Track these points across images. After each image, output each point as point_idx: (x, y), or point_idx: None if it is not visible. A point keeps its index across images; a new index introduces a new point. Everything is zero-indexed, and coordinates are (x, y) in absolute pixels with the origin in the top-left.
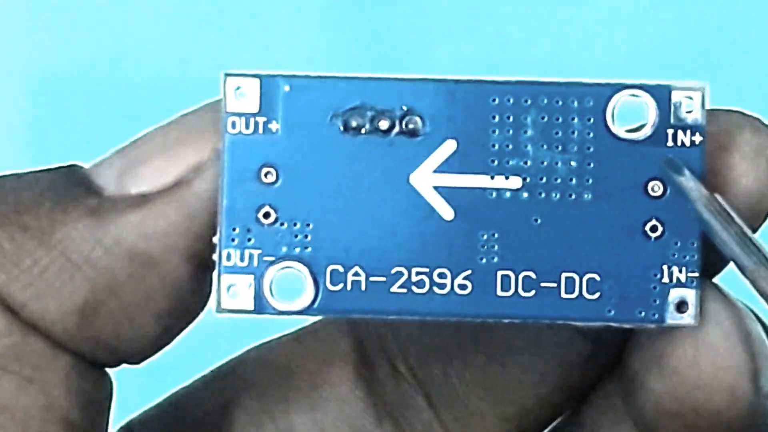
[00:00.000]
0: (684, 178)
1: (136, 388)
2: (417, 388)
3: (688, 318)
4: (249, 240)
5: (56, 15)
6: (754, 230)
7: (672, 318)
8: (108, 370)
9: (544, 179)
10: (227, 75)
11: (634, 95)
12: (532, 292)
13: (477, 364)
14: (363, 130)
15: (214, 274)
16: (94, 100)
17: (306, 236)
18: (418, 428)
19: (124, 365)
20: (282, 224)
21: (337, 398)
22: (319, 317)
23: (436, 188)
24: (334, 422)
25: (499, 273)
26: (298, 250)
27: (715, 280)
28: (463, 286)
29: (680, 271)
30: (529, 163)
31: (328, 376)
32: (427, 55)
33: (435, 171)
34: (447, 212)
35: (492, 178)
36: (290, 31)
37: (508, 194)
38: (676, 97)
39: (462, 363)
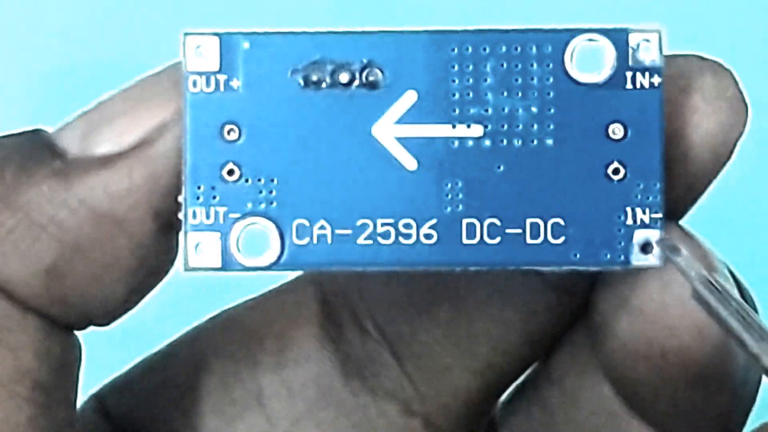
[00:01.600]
0: (681, 258)
1: (106, 355)
2: (384, 344)
3: (652, 259)
4: (214, 198)
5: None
6: (717, 172)
7: (637, 259)
8: (77, 333)
9: (506, 126)
10: (186, 34)
11: (591, 39)
12: (498, 239)
13: (443, 318)
14: (323, 85)
15: (181, 233)
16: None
17: (271, 192)
18: (387, 385)
19: (92, 327)
20: (246, 181)
21: (305, 358)
22: (285, 274)
23: (398, 139)
24: (302, 382)
25: (464, 221)
26: (263, 206)
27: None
28: (428, 236)
29: (644, 213)
30: (490, 110)
31: (295, 337)
32: (387, 8)
33: (396, 122)
34: (410, 163)
35: (454, 127)
36: None
37: (470, 143)
38: (633, 39)
39: (428, 317)
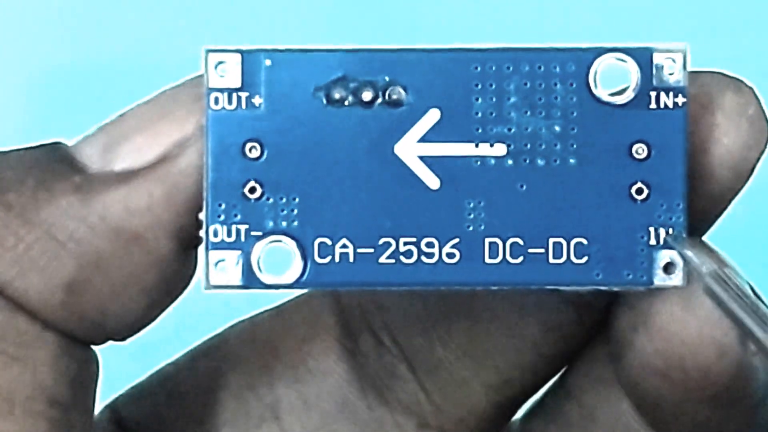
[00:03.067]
0: (690, 252)
1: (121, 365)
2: (401, 358)
3: (675, 279)
4: (235, 215)
5: (57, 12)
6: (738, 190)
7: (660, 279)
8: (94, 347)
9: (529, 145)
10: (208, 51)
11: (615, 59)
12: (520, 259)
13: (460, 332)
14: (346, 102)
15: (201, 250)
16: (97, 101)
17: (292, 210)
18: (403, 398)
19: (110, 342)
20: (268, 199)
21: (321, 371)
22: (305, 290)
23: (421, 158)
24: (319, 395)
25: (487, 240)
26: (285, 223)
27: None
28: (451, 255)
29: (667, 233)
30: (513, 129)
31: (312, 350)
32: (408, 25)
33: (419, 141)
34: (433, 181)
35: (476, 145)
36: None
37: (493, 161)
38: (657, 59)
39: (445, 331)
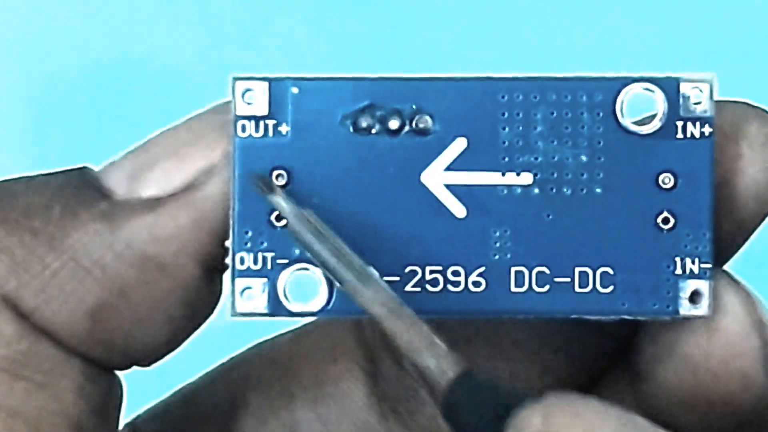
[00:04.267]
0: (275, 197)
1: (141, 385)
2: (420, 381)
3: (701, 309)
4: (262, 243)
5: (59, 15)
6: (763, 219)
7: (685, 310)
8: (118, 372)
9: (555, 174)
10: (236, 79)
11: (642, 88)
12: (546, 288)
13: (480, 357)
14: (373, 131)
15: (227, 278)
16: (97, 101)
17: None
18: (423, 423)
19: (134, 368)
20: None
21: (341, 394)
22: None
23: (447, 186)
24: (338, 418)
25: (513, 269)
26: None
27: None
28: (477, 284)
29: (693, 263)
30: (539, 158)
31: (332, 372)
32: (435, 54)
33: (446, 169)
34: (459, 210)
35: (503, 174)
36: (295, 32)
37: (519, 190)
38: (684, 88)
39: (465, 356)
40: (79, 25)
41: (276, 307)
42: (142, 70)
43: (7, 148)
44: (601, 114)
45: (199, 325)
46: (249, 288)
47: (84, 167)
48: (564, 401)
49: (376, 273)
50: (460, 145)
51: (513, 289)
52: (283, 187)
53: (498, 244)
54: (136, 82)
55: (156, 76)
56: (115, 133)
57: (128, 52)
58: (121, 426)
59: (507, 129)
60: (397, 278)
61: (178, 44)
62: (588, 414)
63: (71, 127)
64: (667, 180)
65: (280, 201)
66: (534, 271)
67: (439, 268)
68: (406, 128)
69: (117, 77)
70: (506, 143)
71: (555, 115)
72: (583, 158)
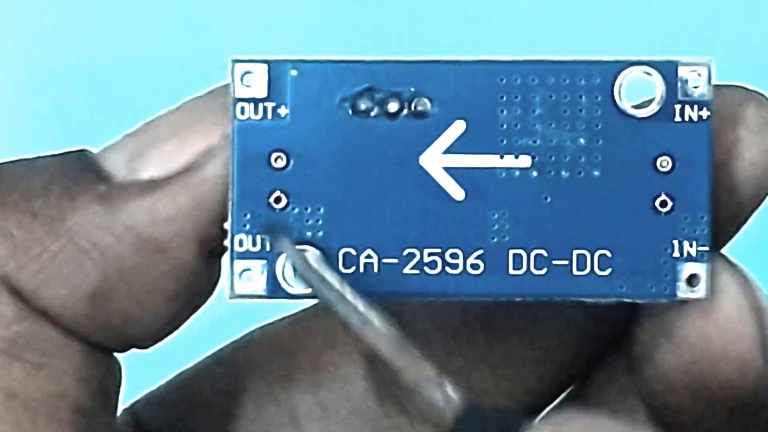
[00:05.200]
0: (282, 243)
1: (140, 370)
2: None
3: (699, 292)
4: (261, 225)
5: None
6: (760, 203)
7: (683, 292)
8: (117, 354)
9: (553, 157)
10: (235, 61)
11: (641, 72)
12: (544, 270)
13: (479, 342)
14: (372, 113)
15: (226, 260)
16: (96, 90)
17: (317, 220)
18: (421, 407)
19: (133, 350)
20: (293, 209)
21: (340, 378)
22: None
23: (446, 169)
24: (337, 402)
25: (511, 252)
26: (310, 233)
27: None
28: (475, 266)
29: (691, 246)
30: (537, 141)
31: (331, 357)
32: (434, 37)
33: (444, 152)
34: (457, 192)
35: (501, 157)
36: (295, 14)
37: (517, 173)
38: (682, 72)
39: (465, 341)
40: (80, 26)
41: (275, 289)
42: (142, 68)
43: (8, 149)
44: (599, 97)
45: (198, 306)
46: (248, 270)
47: (83, 150)
48: (571, 419)
49: (379, 313)
50: (458, 127)
51: (511, 271)
52: (281, 169)
53: (496, 227)
54: (136, 81)
55: (155, 74)
56: (115, 128)
57: (127, 51)
58: (119, 411)
59: (505, 112)
60: (396, 260)
61: (177, 40)
62: (596, 430)
63: (71, 125)
64: (665, 163)
65: (287, 249)
66: (532, 254)
67: (438, 250)
68: (405, 111)
69: (116, 74)
70: (505, 126)
71: (553, 98)
72: (582, 141)
